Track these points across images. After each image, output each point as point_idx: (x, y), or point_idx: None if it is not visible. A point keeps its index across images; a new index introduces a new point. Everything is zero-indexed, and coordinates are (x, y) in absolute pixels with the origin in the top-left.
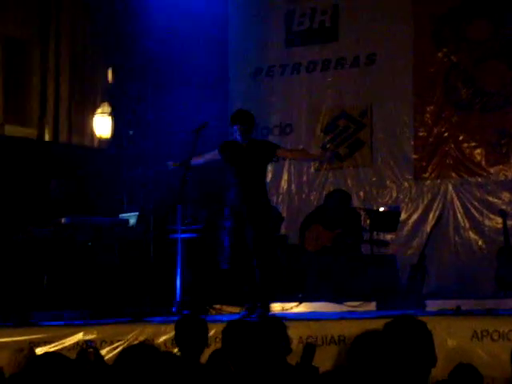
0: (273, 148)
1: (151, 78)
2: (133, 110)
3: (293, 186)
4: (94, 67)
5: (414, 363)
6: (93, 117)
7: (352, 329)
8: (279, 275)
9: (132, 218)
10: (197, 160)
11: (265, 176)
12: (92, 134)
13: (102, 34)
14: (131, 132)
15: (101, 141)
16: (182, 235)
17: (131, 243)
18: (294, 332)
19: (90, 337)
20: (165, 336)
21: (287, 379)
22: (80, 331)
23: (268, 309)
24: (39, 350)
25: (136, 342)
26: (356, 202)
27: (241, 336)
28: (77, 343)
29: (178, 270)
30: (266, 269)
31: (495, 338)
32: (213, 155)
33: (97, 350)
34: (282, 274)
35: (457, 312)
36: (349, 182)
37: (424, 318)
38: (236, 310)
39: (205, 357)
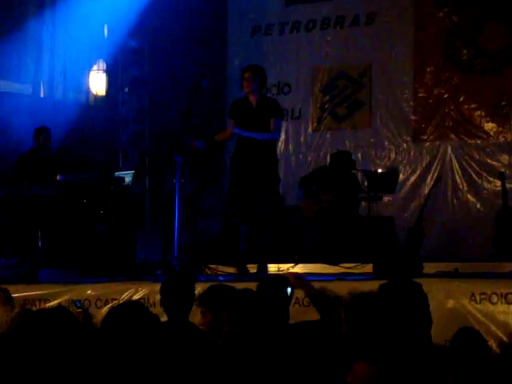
0: (276, 112)
1: (148, 35)
2: (128, 68)
3: (290, 147)
4: (90, 23)
5: (409, 324)
6: (88, 74)
7: (348, 290)
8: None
9: (128, 176)
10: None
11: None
12: (87, 90)
13: None
14: (126, 89)
15: (96, 98)
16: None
17: (126, 201)
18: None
19: (85, 295)
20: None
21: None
22: (74, 289)
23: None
24: (34, 308)
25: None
26: None
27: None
28: (71, 301)
29: (176, 228)
30: (267, 230)
31: (494, 300)
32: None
33: (86, 311)
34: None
35: (455, 274)
36: (347, 143)
37: (421, 280)
38: (231, 270)
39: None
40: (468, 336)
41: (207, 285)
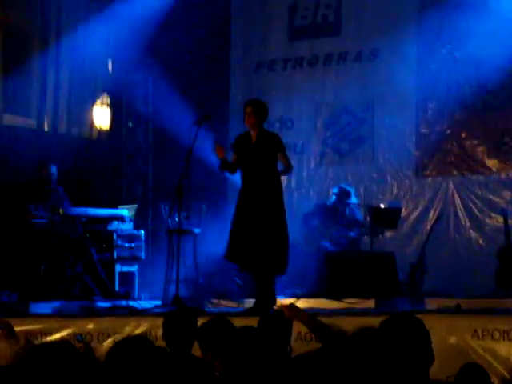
0: (278, 147)
1: (151, 69)
2: (132, 102)
3: (292, 182)
4: (94, 58)
5: (411, 361)
6: (92, 108)
7: (350, 325)
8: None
9: (131, 209)
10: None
11: (276, 166)
12: (91, 125)
13: (103, 24)
14: (130, 124)
15: (100, 132)
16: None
17: (128, 235)
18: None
19: (87, 329)
20: (161, 329)
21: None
22: (75, 323)
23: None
24: (36, 342)
25: (132, 335)
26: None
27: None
28: (73, 334)
29: (175, 263)
30: (273, 262)
31: (496, 337)
32: (234, 158)
33: (87, 344)
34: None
35: (457, 310)
36: (349, 178)
37: (424, 316)
38: (233, 304)
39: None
40: (473, 372)
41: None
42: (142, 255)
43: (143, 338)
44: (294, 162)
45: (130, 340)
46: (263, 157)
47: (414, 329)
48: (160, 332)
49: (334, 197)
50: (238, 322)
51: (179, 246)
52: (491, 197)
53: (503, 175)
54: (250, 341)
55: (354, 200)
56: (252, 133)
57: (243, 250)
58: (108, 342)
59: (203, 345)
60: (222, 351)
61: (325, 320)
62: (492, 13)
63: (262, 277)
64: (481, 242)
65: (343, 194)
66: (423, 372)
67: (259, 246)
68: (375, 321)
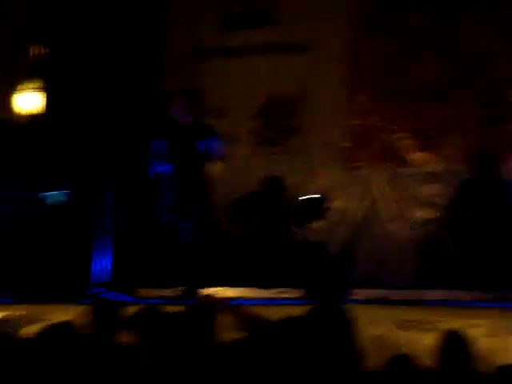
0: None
1: (83, 52)
2: (64, 86)
3: (224, 171)
4: (25, 41)
5: (337, 350)
6: (22, 92)
7: (277, 315)
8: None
9: (60, 196)
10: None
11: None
12: (20, 110)
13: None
14: (62, 108)
15: (31, 117)
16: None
17: (54, 221)
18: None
19: (16, 315)
20: (88, 318)
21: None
22: (7, 310)
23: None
24: None
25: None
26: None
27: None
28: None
29: (107, 251)
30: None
31: (421, 328)
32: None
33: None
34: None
35: (382, 301)
36: (280, 168)
37: (350, 307)
38: (160, 292)
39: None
40: (401, 363)
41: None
42: None
43: (68, 324)
44: (228, 151)
45: (56, 327)
46: (197, 145)
47: (340, 319)
48: (87, 320)
49: (265, 186)
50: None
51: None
52: (419, 189)
53: (430, 168)
54: (178, 329)
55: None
56: (184, 122)
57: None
58: (35, 329)
59: (135, 332)
60: (152, 338)
61: (252, 309)
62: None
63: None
64: (408, 233)
65: (274, 184)
66: (350, 362)
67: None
68: (303, 310)
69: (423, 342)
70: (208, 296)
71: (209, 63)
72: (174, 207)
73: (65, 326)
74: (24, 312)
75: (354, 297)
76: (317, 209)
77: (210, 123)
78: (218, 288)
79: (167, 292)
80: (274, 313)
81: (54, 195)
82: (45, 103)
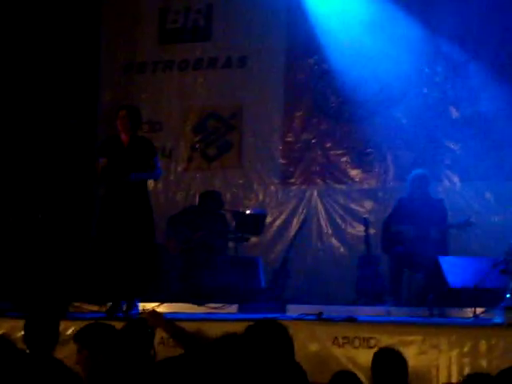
0: (151, 153)
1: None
2: None
3: (159, 185)
4: None
5: (275, 366)
6: None
7: (213, 330)
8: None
9: None
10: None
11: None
12: None
13: None
14: None
15: None
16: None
17: None
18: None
19: None
20: (21, 331)
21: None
22: None
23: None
24: None
25: None
26: None
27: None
28: None
29: (38, 266)
30: (139, 267)
31: (356, 344)
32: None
33: None
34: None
35: (318, 317)
36: (216, 183)
37: (285, 323)
38: (95, 308)
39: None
40: (346, 379)
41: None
42: None
43: (3, 338)
44: (161, 165)
45: None
46: (135, 161)
47: (279, 335)
48: (19, 334)
49: (201, 201)
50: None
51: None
52: (353, 206)
53: (365, 185)
54: (116, 343)
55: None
56: (124, 137)
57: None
58: None
59: (88, 346)
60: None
61: (189, 325)
62: (359, 25)
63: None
64: (342, 250)
65: (211, 199)
66: (286, 377)
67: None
68: (239, 326)
69: (359, 358)
70: (143, 311)
71: (144, 77)
72: (110, 224)
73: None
74: None
75: (289, 313)
76: (256, 224)
77: (148, 139)
78: (153, 303)
79: (101, 307)
80: (211, 328)
81: None
82: None
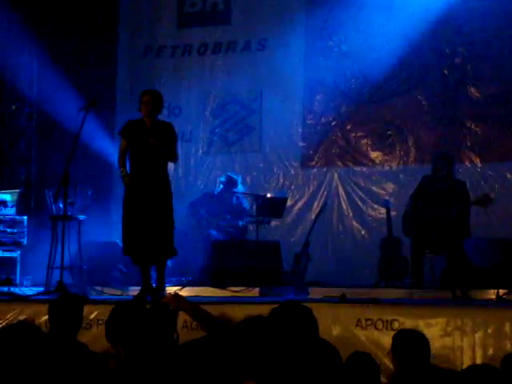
0: (171, 137)
1: (37, 53)
2: (16, 85)
3: (180, 170)
4: None
5: (299, 349)
6: None
7: (235, 314)
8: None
9: (13, 194)
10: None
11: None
12: None
13: None
14: (14, 107)
15: None
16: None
17: (10, 220)
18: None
19: None
20: (45, 316)
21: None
22: None
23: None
24: None
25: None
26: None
27: (128, 319)
28: None
29: (59, 250)
30: (163, 249)
31: (379, 327)
32: (123, 144)
33: None
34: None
35: (341, 300)
36: (237, 167)
37: (308, 305)
38: (117, 292)
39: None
40: (361, 360)
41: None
42: (25, 241)
43: (28, 323)
44: (181, 150)
45: (14, 326)
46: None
47: (304, 317)
48: (43, 319)
49: (221, 185)
50: None
51: (64, 232)
52: (374, 188)
53: (386, 167)
54: (140, 327)
55: (240, 189)
56: (146, 120)
57: (135, 243)
58: None
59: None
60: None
61: (211, 308)
62: (378, 7)
63: (153, 265)
64: (363, 232)
65: (230, 183)
66: (311, 359)
67: (149, 236)
68: (261, 309)
69: (382, 340)
70: (167, 295)
71: (163, 61)
72: (133, 208)
73: (23, 324)
74: None
75: (312, 296)
76: (277, 208)
77: (171, 124)
78: (175, 287)
79: (123, 292)
80: (233, 312)
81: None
82: None
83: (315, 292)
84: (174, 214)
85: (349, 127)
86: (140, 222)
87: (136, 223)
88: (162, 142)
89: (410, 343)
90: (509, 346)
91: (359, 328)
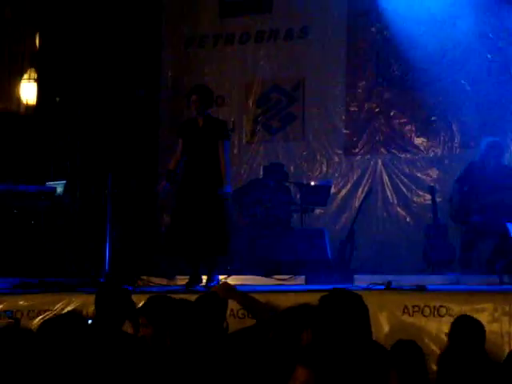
0: (222, 135)
1: (81, 45)
2: (60, 78)
3: None
4: (22, 32)
5: (352, 335)
6: (19, 83)
7: (284, 302)
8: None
9: (59, 186)
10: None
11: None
12: (19, 100)
13: None
14: (58, 99)
15: (27, 107)
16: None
17: (58, 211)
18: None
19: (17, 305)
20: (93, 306)
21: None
22: (5, 300)
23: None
24: None
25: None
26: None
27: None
28: (3, 311)
29: (107, 240)
30: (214, 240)
31: (426, 313)
32: (180, 145)
33: (17, 320)
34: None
35: (387, 287)
36: (280, 155)
37: (361, 293)
38: (163, 281)
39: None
40: (407, 347)
41: (145, 296)
42: None
43: (75, 313)
44: None
45: (60, 317)
46: (210, 142)
47: (355, 304)
48: (91, 309)
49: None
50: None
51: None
52: (419, 175)
53: (431, 153)
54: (189, 317)
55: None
56: (199, 118)
57: (186, 242)
58: (38, 320)
59: (153, 321)
60: (166, 326)
61: (258, 297)
62: None
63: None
64: (408, 219)
65: (275, 171)
66: (363, 346)
67: (199, 234)
68: (308, 297)
69: (429, 327)
70: (215, 286)
71: (205, 51)
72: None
73: (71, 315)
74: (26, 302)
75: (357, 283)
76: (321, 195)
77: (224, 121)
78: (222, 276)
79: (170, 281)
80: (281, 300)
81: (60, 185)
82: (43, 93)
83: (361, 280)
84: (229, 212)
85: (392, 114)
86: (192, 219)
87: (187, 221)
88: (214, 140)
89: (467, 329)
90: None
91: (406, 315)
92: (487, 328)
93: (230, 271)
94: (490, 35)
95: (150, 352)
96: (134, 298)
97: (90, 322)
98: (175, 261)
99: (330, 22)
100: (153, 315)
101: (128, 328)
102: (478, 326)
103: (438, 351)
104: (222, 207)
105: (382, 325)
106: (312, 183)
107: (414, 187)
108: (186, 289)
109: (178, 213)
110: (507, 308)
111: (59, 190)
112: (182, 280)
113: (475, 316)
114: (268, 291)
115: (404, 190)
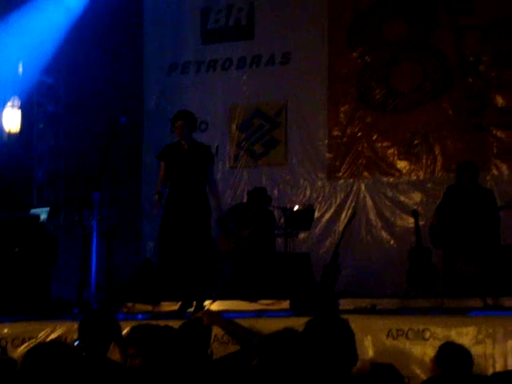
0: (208, 159)
1: (63, 71)
2: (43, 105)
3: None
4: (4, 60)
5: (336, 361)
6: (2, 111)
7: (268, 327)
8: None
9: (43, 213)
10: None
11: (205, 179)
12: (1, 128)
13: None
14: (41, 125)
15: (9, 135)
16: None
17: (42, 239)
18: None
19: (2, 334)
20: (77, 334)
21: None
22: None
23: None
24: None
25: (47, 340)
26: None
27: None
28: None
29: (93, 265)
30: (201, 266)
31: (410, 336)
32: (162, 167)
33: (3, 350)
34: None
35: (371, 311)
36: (263, 180)
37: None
38: (149, 307)
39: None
40: (385, 372)
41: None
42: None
43: (58, 342)
44: None
45: (45, 345)
46: (195, 166)
47: (341, 329)
48: (75, 336)
49: (249, 198)
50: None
51: (91, 249)
52: (402, 198)
53: (413, 177)
54: (172, 343)
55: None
56: (183, 143)
57: (172, 264)
58: (23, 348)
59: (130, 345)
60: (147, 353)
61: (243, 322)
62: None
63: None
64: (392, 242)
65: (258, 196)
66: (347, 372)
67: (186, 258)
68: (293, 322)
69: (413, 350)
70: (199, 310)
71: (188, 77)
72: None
73: (56, 343)
74: (10, 330)
75: (342, 307)
76: (305, 219)
77: (207, 146)
78: (207, 302)
79: (155, 307)
80: (265, 325)
81: (44, 212)
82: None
83: (345, 303)
84: (211, 240)
85: (374, 137)
86: (178, 242)
87: (174, 244)
88: (199, 163)
89: (454, 357)
90: None
91: (390, 338)
92: (471, 351)
93: (213, 296)
94: (471, 58)
95: (138, 382)
96: (122, 324)
97: (76, 343)
98: (160, 286)
99: (311, 47)
100: (142, 345)
101: (116, 354)
102: (465, 352)
103: (423, 375)
104: (208, 234)
105: (367, 349)
106: (296, 207)
107: (397, 211)
108: (178, 315)
109: (164, 239)
110: (491, 330)
111: (43, 216)
112: (167, 306)
113: (459, 339)
114: (251, 317)
115: (387, 213)
